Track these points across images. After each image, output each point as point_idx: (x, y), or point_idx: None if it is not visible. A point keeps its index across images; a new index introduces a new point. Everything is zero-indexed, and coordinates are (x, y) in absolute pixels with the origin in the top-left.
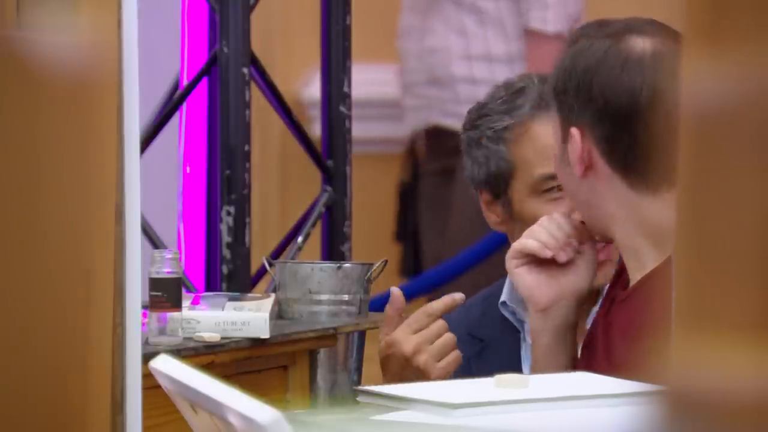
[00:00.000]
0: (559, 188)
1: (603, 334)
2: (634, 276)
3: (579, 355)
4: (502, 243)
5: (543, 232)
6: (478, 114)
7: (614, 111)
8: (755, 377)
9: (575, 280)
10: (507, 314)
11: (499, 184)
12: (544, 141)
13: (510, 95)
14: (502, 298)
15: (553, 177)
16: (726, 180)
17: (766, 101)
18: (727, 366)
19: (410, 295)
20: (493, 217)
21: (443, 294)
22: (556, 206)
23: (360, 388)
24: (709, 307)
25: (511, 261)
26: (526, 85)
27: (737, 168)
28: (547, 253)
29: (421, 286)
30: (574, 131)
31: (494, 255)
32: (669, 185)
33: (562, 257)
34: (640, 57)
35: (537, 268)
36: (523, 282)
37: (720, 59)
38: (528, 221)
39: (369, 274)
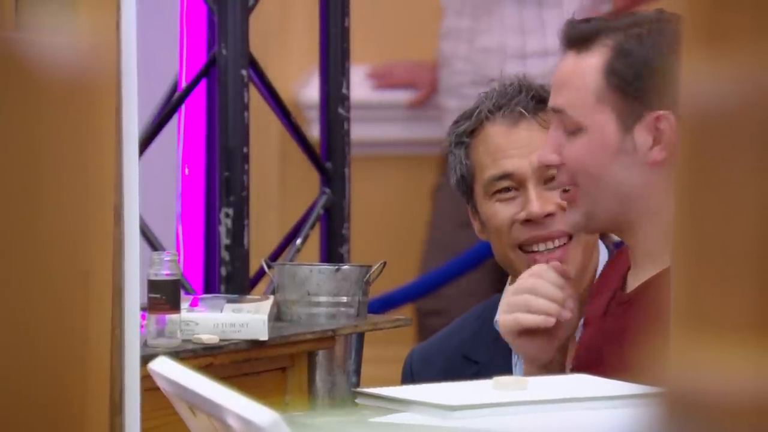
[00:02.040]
0: (508, 189)
1: (603, 335)
2: (644, 276)
3: (575, 359)
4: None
5: (542, 302)
6: (453, 122)
7: None
8: (753, 379)
9: (569, 324)
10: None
11: (466, 190)
12: (495, 141)
13: (480, 98)
14: (497, 316)
15: (501, 177)
16: (724, 181)
17: (766, 102)
18: (725, 368)
19: (396, 302)
20: (475, 224)
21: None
22: (506, 207)
23: (358, 390)
24: (707, 308)
25: (508, 336)
26: (499, 87)
27: (736, 169)
28: (551, 322)
29: (407, 294)
30: (667, 114)
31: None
32: None
33: (567, 316)
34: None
35: (536, 333)
36: (526, 350)
37: (719, 60)
38: (487, 225)
39: (367, 276)
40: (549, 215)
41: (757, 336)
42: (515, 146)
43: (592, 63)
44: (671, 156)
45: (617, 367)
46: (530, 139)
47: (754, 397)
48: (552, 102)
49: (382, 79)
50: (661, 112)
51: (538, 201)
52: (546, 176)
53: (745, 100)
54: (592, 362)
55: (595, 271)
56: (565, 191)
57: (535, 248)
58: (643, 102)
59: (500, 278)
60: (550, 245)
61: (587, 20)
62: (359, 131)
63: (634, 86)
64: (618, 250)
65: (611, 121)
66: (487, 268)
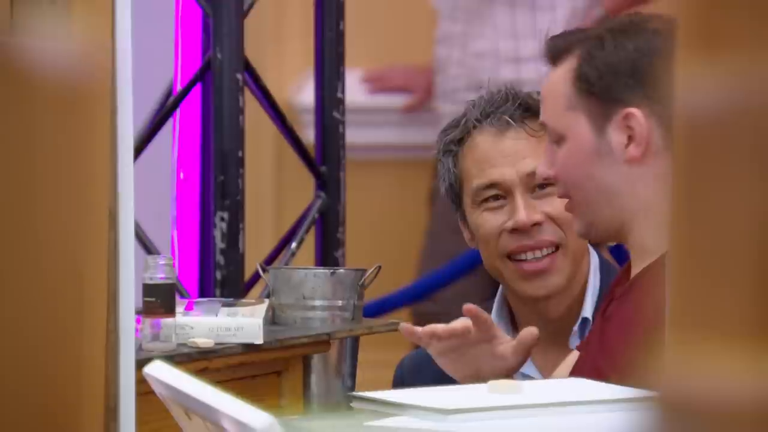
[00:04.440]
0: (495, 198)
1: (600, 330)
2: (638, 270)
3: (576, 360)
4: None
5: None
6: (441, 129)
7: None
8: (750, 383)
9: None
10: None
11: (454, 198)
12: (482, 150)
13: (467, 107)
14: None
15: (488, 187)
16: (720, 185)
17: (761, 108)
18: (721, 372)
19: (392, 306)
20: (464, 233)
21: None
22: (494, 216)
23: (353, 393)
24: (703, 312)
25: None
26: (486, 95)
27: (731, 174)
28: None
29: (402, 298)
30: (636, 111)
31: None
32: None
33: None
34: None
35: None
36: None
37: (714, 66)
38: (476, 234)
39: (362, 279)
40: (536, 224)
41: (753, 339)
42: (502, 155)
43: (561, 73)
44: (647, 151)
45: (615, 360)
46: (517, 148)
47: (750, 401)
48: (540, 116)
49: (378, 83)
50: (628, 109)
51: (525, 210)
52: (533, 185)
53: (740, 105)
54: (592, 358)
55: (586, 278)
56: (569, 202)
57: (522, 257)
58: (610, 102)
59: (496, 282)
60: (537, 254)
61: (563, 34)
62: (354, 135)
63: (599, 87)
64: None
65: (585, 126)
66: (484, 271)
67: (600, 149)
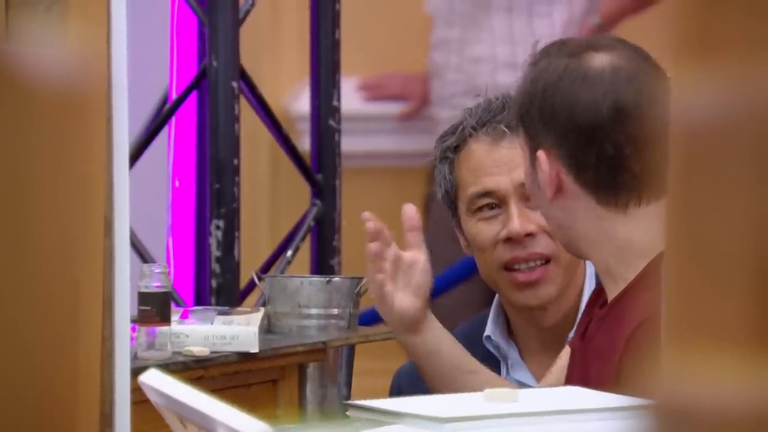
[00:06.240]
0: (490, 207)
1: (580, 353)
2: (611, 295)
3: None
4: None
5: None
6: (439, 136)
7: (578, 128)
8: (747, 390)
9: None
10: (491, 348)
11: (450, 205)
12: (477, 158)
13: (464, 114)
14: (487, 332)
15: (483, 195)
16: (717, 191)
17: (758, 113)
18: (717, 379)
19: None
20: (461, 239)
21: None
22: (489, 226)
23: (349, 402)
24: (700, 318)
25: None
26: (483, 103)
27: (728, 179)
28: None
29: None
30: (541, 154)
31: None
32: (638, 201)
33: None
34: (600, 72)
35: None
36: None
37: (711, 71)
38: (471, 244)
39: (358, 288)
40: (530, 235)
41: (750, 346)
42: (497, 164)
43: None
44: (560, 191)
45: (594, 385)
46: (512, 157)
47: (747, 408)
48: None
49: (373, 91)
50: (538, 152)
51: (519, 219)
52: (527, 194)
53: (737, 110)
54: (572, 381)
55: (582, 286)
56: None
57: (516, 267)
58: (532, 144)
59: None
60: (531, 264)
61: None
62: (350, 143)
63: (522, 130)
64: None
65: (528, 163)
66: (481, 279)
67: (535, 182)
